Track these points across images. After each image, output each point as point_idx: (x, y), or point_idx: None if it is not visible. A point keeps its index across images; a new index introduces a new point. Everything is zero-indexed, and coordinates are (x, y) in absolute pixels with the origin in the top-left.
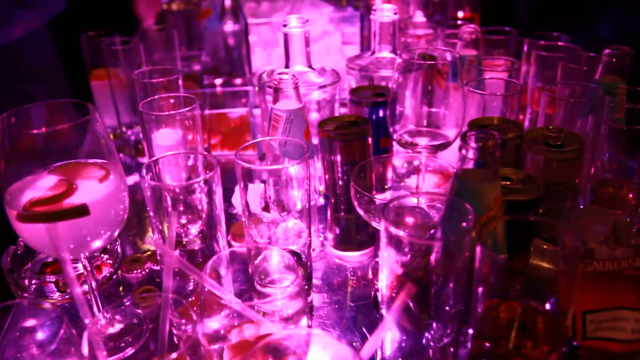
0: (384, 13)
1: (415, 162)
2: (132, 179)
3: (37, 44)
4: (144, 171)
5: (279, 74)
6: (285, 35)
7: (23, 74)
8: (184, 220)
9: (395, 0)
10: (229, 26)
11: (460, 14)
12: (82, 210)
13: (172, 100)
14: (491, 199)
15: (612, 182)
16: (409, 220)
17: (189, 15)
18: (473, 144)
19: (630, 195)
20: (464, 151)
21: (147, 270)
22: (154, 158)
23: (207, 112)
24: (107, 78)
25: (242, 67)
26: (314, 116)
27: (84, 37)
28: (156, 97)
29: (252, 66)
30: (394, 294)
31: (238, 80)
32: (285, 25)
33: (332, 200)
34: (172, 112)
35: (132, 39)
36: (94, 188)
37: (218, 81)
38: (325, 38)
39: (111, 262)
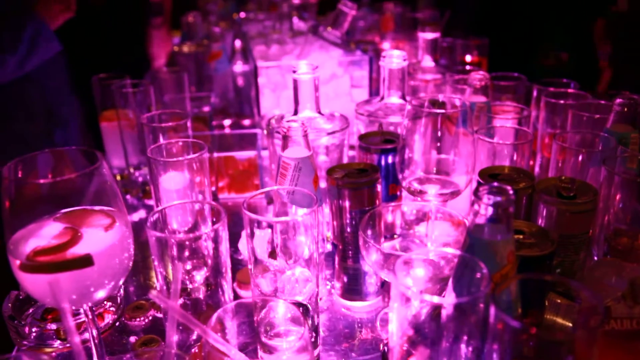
0: (393, 60)
1: (425, 210)
2: (137, 216)
3: (55, 83)
4: (150, 221)
5: (288, 121)
6: (295, 81)
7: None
8: (188, 267)
9: (403, 43)
10: (239, 67)
11: (468, 58)
12: (86, 261)
13: (180, 144)
14: (504, 256)
15: (627, 232)
16: (419, 272)
17: (199, 57)
18: (486, 200)
19: None
20: (476, 206)
21: (150, 317)
22: (160, 208)
23: (215, 155)
24: (117, 119)
25: (251, 108)
26: (322, 159)
27: (95, 79)
28: (165, 142)
29: (261, 108)
30: (404, 348)
31: (246, 122)
32: (295, 72)
33: (340, 248)
34: (181, 158)
35: (143, 81)
36: (99, 237)
37: (227, 122)
38: (334, 81)
39: (114, 309)
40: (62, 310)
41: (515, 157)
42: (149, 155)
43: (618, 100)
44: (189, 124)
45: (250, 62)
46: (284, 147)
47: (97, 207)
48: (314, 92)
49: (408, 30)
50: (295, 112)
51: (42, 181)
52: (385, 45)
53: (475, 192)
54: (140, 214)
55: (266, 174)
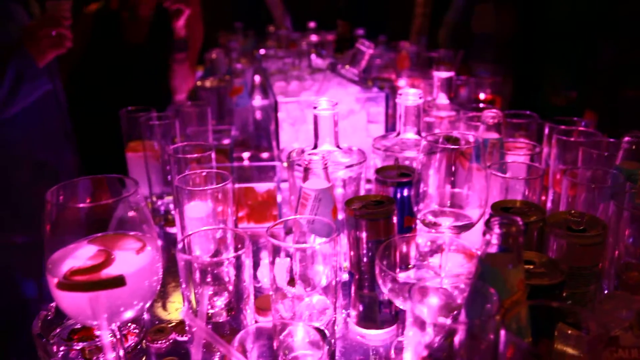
0: (409, 97)
1: (439, 241)
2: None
3: (45, 131)
4: (179, 246)
5: (309, 154)
6: (315, 117)
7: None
8: (210, 292)
9: (418, 81)
10: (258, 101)
11: (482, 96)
12: (119, 281)
13: (204, 174)
14: (515, 284)
15: (637, 266)
16: (433, 300)
17: (221, 92)
18: (497, 230)
19: None
20: (487, 236)
21: (171, 340)
22: (189, 234)
23: (235, 185)
24: (142, 150)
25: (269, 141)
26: (339, 192)
27: (123, 112)
28: (191, 172)
29: (280, 142)
30: None
31: (265, 154)
32: (315, 107)
33: (357, 277)
34: (206, 187)
35: (168, 114)
36: (130, 259)
37: (246, 154)
38: (351, 117)
39: (137, 331)
40: (100, 327)
41: (526, 192)
42: (176, 185)
43: (626, 139)
44: (213, 155)
45: (270, 97)
46: (305, 178)
47: (129, 232)
48: (333, 127)
49: (423, 68)
50: (315, 146)
51: (81, 205)
52: (401, 82)
53: (487, 223)
54: (160, 242)
55: (285, 205)
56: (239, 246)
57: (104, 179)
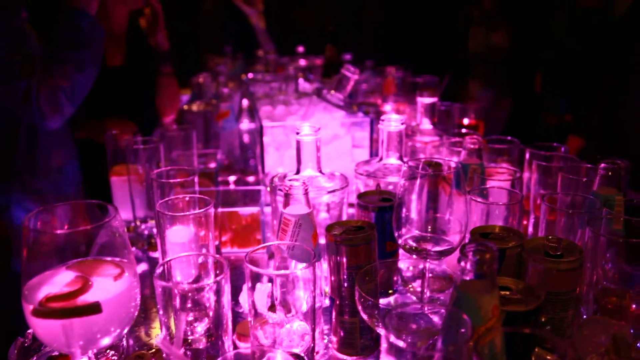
0: (392, 123)
1: (420, 267)
2: (140, 268)
3: (59, 139)
4: (157, 272)
5: (290, 180)
6: (298, 142)
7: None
8: (190, 318)
9: (404, 105)
10: (245, 124)
11: (465, 121)
12: (94, 308)
13: (187, 199)
14: (489, 310)
15: (615, 291)
16: (413, 326)
17: (207, 116)
18: (471, 257)
19: (634, 306)
20: (462, 263)
21: None
22: (167, 259)
23: (219, 210)
24: (127, 174)
25: (256, 164)
26: (322, 216)
27: (108, 135)
28: (173, 197)
29: (265, 166)
30: None
31: (251, 178)
32: (298, 133)
33: (337, 302)
34: (188, 212)
35: (153, 138)
36: (108, 286)
37: (232, 178)
38: (336, 141)
39: (116, 357)
40: (73, 355)
41: (506, 217)
42: (158, 210)
43: (602, 165)
44: (196, 179)
45: (256, 120)
46: (286, 204)
47: (107, 258)
48: (315, 153)
49: (409, 93)
50: (298, 171)
51: (59, 232)
52: (387, 107)
53: (462, 250)
54: (144, 266)
55: (268, 229)
56: (218, 272)
57: (83, 204)
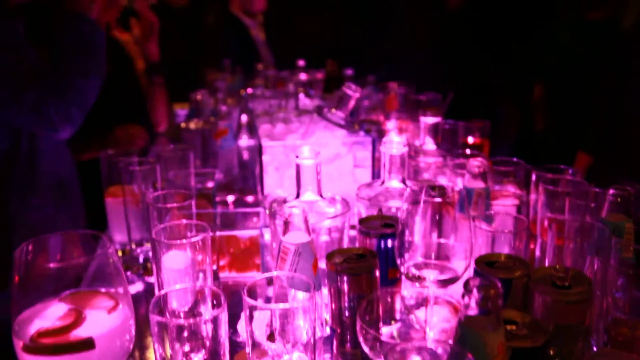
0: (394, 145)
1: (424, 294)
2: (135, 288)
3: (58, 157)
4: (152, 304)
5: (290, 207)
6: (298, 166)
7: (41, 183)
8: (187, 349)
9: (407, 123)
10: (244, 141)
11: (470, 140)
12: (87, 344)
13: (184, 221)
14: (495, 347)
15: (626, 322)
16: (416, 359)
17: (205, 133)
18: (475, 293)
19: None
20: (466, 299)
21: None
22: (163, 292)
23: (217, 233)
24: (122, 195)
25: (255, 183)
26: (323, 239)
27: (103, 156)
28: (168, 223)
29: (265, 187)
30: None
31: (250, 198)
32: (297, 157)
33: (338, 332)
34: (184, 240)
35: (149, 159)
36: (102, 319)
37: (230, 198)
38: (337, 161)
39: None
40: None
41: (512, 244)
42: (154, 237)
43: (611, 191)
44: (193, 203)
45: (255, 138)
46: (285, 231)
47: (102, 289)
48: (315, 177)
49: (412, 110)
50: (298, 196)
51: (52, 265)
52: (390, 124)
53: (465, 285)
54: (139, 286)
55: (267, 252)
56: (216, 302)
57: (77, 235)
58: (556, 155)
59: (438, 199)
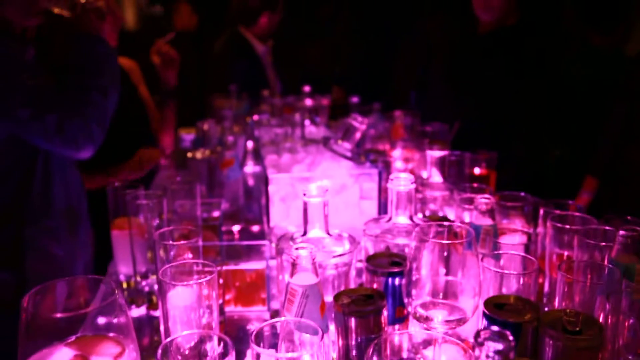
0: (401, 182)
1: (433, 333)
2: (137, 312)
3: (69, 179)
4: (160, 354)
5: (297, 248)
6: (305, 204)
7: (55, 206)
8: None
9: (413, 152)
10: (250, 167)
11: (477, 171)
12: None
13: (190, 255)
14: None
15: None
16: None
17: (211, 163)
18: (486, 347)
19: None
20: (477, 351)
21: None
22: (169, 339)
23: (223, 268)
24: (128, 228)
25: (260, 212)
26: (330, 272)
27: (110, 189)
28: (175, 263)
29: (271, 218)
30: None
31: (255, 227)
32: (305, 194)
33: None
34: (191, 282)
35: (156, 192)
36: None
37: (236, 228)
38: (343, 192)
39: None
40: None
41: (521, 282)
42: (160, 278)
43: (621, 232)
44: (200, 242)
45: (261, 167)
46: (293, 272)
47: (110, 334)
48: (323, 214)
49: (418, 139)
50: (305, 232)
51: (58, 315)
52: (396, 153)
53: (476, 337)
54: (140, 311)
55: (273, 285)
56: (222, 350)
57: (83, 280)
58: (564, 180)
59: (447, 241)
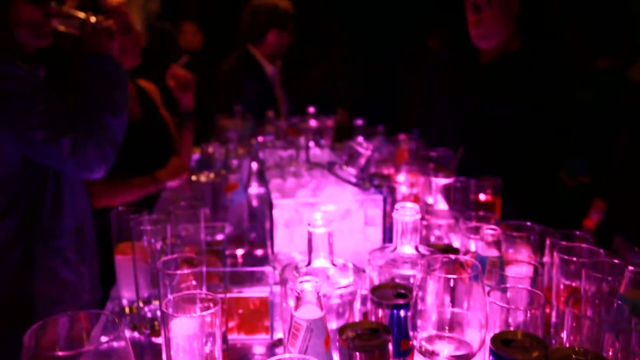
0: (407, 212)
1: None
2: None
3: (78, 199)
4: None
5: (302, 282)
6: (310, 234)
7: (64, 225)
8: None
9: (417, 176)
10: (254, 189)
11: (482, 197)
12: None
13: (193, 282)
14: None
15: None
16: None
17: (216, 186)
18: None
19: None
20: None
21: None
22: None
23: (227, 295)
24: (132, 253)
25: (264, 235)
26: (334, 301)
27: (113, 213)
28: (179, 294)
29: (275, 243)
30: None
31: (259, 251)
32: (309, 224)
33: None
34: (194, 314)
35: (160, 217)
36: None
37: (239, 252)
38: (348, 218)
39: None
40: None
41: (529, 315)
42: (163, 310)
43: (630, 268)
44: (203, 269)
45: (265, 189)
46: (297, 306)
47: None
48: (327, 244)
49: (423, 163)
50: (309, 262)
51: (60, 354)
52: (400, 177)
53: None
54: (145, 346)
55: (277, 312)
56: None
57: (85, 315)
58: (572, 202)
59: (453, 276)
